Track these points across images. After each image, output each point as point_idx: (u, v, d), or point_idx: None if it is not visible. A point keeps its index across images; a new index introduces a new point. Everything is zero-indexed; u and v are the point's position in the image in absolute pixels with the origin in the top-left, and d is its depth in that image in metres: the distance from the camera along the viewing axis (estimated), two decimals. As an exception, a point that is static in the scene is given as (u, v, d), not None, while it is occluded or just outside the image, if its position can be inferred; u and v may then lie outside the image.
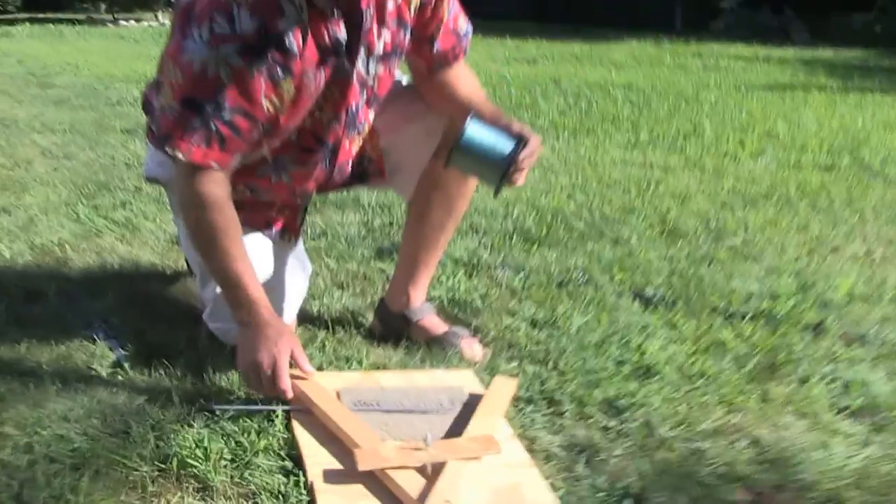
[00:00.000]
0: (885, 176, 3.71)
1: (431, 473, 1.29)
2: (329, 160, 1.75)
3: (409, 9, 1.66)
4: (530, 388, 1.67)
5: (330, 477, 1.31)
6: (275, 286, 1.76)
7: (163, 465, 1.36)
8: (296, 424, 1.46)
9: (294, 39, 1.51)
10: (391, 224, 2.76)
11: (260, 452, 1.40)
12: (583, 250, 2.53)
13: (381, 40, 1.64)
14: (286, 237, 1.86)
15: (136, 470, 1.35)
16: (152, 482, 1.32)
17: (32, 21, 12.02)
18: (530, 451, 1.45)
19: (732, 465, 1.45)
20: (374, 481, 1.30)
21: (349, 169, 1.84)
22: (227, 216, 1.57)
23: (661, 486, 1.37)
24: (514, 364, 1.79)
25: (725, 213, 3.01)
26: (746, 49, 11.07)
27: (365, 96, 1.69)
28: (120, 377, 1.67)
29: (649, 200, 3.12)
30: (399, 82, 1.83)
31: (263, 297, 1.58)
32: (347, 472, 1.31)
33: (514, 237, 2.63)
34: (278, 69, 1.52)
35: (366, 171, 1.90)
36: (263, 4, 1.48)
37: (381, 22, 1.62)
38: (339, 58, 1.59)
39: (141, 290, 2.14)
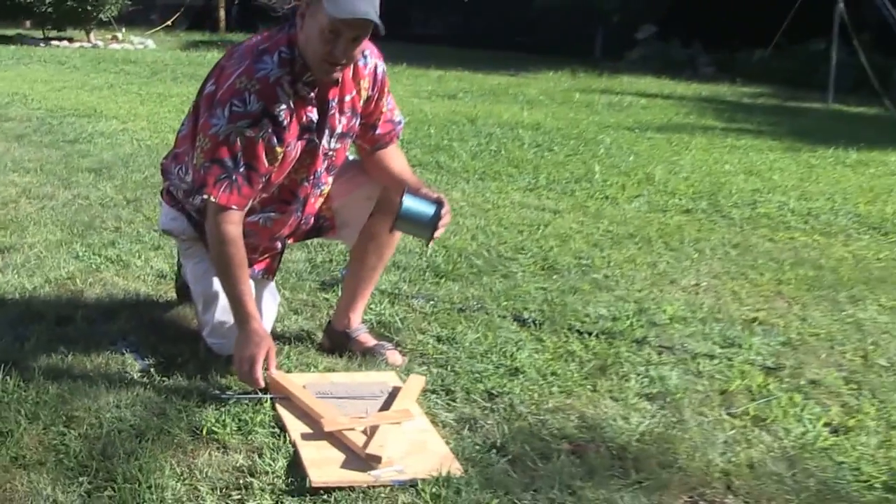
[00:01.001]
0: (729, 218, 4.68)
1: (369, 433, 2.11)
2: (300, 211, 2.55)
3: (361, 101, 2.49)
4: (434, 383, 2.50)
5: (305, 437, 2.12)
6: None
7: (196, 433, 2.14)
8: (279, 406, 2.26)
9: (285, 118, 2.33)
10: (330, 261, 3.56)
11: (257, 424, 2.19)
12: (479, 283, 3.38)
13: (340, 124, 2.46)
14: (265, 276, 2.66)
15: (178, 436, 2.12)
16: (190, 444, 2.10)
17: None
18: (433, 422, 2.28)
19: (564, 430, 2.29)
20: (334, 438, 2.11)
21: (312, 221, 2.65)
22: (241, 251, 2.34)
23: (516, 442, 2.20)
24: (424, 368, 2.61)
25: (595, 251, 3.90)
26: (654, 83, 12.21)
27: (326, 164, 2.51)
28: (147, 379, 2.43)
29: (537, 241, 3.99)
30: (349, 159, 2.65)
31: (256, 312, 2.36)
32: (316, 434, 2.12)
33: (427, 272, 3.46)
34: (274, 138, 2.33)
35: (322, 226, 2.71)
36: (266, 93, 2.30)
37: (341, 110, 2.45)
38: (311, 133, 2.41)
39: (145, 315, 2.89)
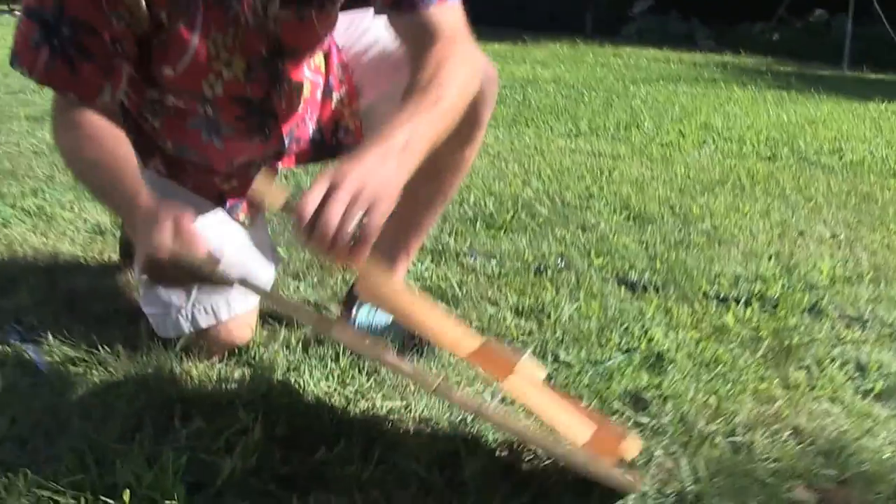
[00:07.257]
0: (823, 166, 3.64)
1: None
2: (269, 127, 1.47)
3: None
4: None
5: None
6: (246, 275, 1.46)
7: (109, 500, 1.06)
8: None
9: None
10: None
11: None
12: (553, 236, 2.31)
13: None
14: (246, 218, 1.58)
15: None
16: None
17: None
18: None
19: (784, 460, 1.25)
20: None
21: (309, 135, 1.57)
22: (109, 148, 1.27)
23: (717, 489, 1.15)
24: (510, 356, 1.55)
25: (686, 198, 2.85)
26: (659, 53, 11.15)
27: (271, 45, 1.39)
28: (44, 385, 1.36)
29: (607, 186, 2.93)
30: (379, 36, 1.57)
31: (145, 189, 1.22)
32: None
33: (477, 223, 2.39)
34: None
35: (341, 143, 1.62)
36: None
37: None
38: None
39: (62, 285, 1.80)
